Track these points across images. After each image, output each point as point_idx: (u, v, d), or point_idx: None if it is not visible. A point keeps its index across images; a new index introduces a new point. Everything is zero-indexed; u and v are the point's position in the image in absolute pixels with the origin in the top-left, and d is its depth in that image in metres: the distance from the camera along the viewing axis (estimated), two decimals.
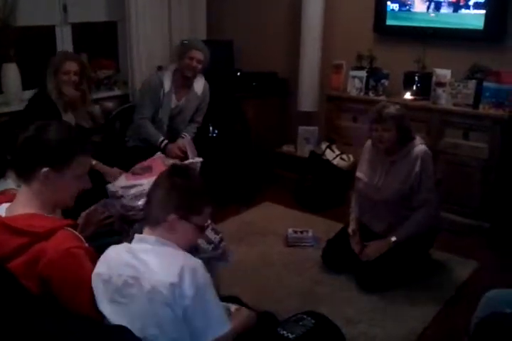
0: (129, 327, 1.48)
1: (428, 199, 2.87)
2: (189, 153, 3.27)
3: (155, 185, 1.67)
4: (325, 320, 1.96)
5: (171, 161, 2.22)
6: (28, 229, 1.52)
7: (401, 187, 2.87)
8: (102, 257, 1.63)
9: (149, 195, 1.67)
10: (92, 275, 1.57)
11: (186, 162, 2.27)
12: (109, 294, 1.55)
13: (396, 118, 2.80)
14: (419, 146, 2.88)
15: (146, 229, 1.66)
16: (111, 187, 2.23)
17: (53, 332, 1.34)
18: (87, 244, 1.64)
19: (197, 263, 1.57)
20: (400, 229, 2.88)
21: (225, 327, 1.56)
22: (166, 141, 3.58)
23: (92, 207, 2.04)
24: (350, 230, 3.06)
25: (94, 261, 1.60)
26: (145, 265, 1.53)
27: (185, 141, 3.56)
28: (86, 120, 3.37)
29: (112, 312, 1.54)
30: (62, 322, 1.40)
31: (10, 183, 2.15)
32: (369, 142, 3.01)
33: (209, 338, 1.53)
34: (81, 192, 1.69)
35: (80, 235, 1.66)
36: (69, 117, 3.25)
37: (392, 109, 2.81)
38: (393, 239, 2.86)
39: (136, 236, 1.65)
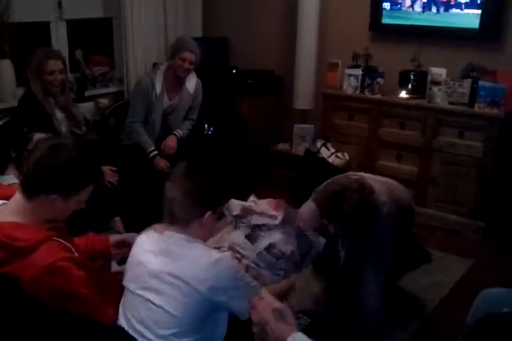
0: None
1: (368, 305, 2.22)
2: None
3: (173, 187, 1.63)
4: (320, 318, 1.97)
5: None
6: (11, 243, 1.46)
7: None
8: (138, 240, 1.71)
9: (170, 197, 1.63)
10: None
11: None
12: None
13: (354, 220, 2.13)
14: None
15: (167, 228, 1.65)
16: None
17: (51, 333, 1.34)
18: (77, 254, 1.59)
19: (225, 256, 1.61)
20: None
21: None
22: (155, 152, 3.55)
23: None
24: None
25: (86, 268, 1.56)
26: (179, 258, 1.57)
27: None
28: (79, 126, 3.23)
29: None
30: (60, 323, 1.40)
31: (8, 179, 2.13)
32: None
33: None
34: (73, 212, 1.66)
35: (69, 244, 1.59)
36: (60, 119, 3.13)
37: (347, 208, 2.07)
38: None
39: (166, 233, 1.63)
